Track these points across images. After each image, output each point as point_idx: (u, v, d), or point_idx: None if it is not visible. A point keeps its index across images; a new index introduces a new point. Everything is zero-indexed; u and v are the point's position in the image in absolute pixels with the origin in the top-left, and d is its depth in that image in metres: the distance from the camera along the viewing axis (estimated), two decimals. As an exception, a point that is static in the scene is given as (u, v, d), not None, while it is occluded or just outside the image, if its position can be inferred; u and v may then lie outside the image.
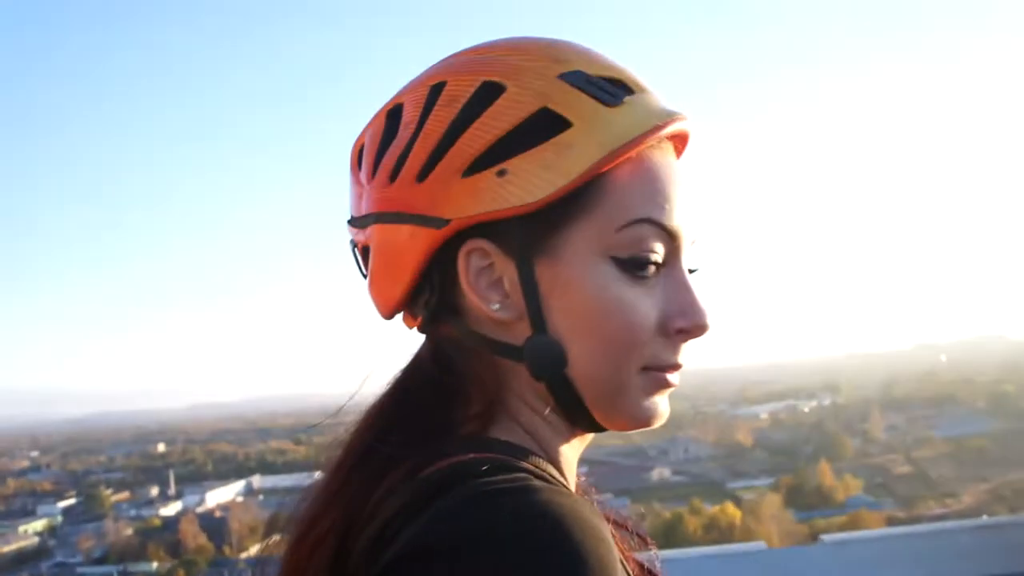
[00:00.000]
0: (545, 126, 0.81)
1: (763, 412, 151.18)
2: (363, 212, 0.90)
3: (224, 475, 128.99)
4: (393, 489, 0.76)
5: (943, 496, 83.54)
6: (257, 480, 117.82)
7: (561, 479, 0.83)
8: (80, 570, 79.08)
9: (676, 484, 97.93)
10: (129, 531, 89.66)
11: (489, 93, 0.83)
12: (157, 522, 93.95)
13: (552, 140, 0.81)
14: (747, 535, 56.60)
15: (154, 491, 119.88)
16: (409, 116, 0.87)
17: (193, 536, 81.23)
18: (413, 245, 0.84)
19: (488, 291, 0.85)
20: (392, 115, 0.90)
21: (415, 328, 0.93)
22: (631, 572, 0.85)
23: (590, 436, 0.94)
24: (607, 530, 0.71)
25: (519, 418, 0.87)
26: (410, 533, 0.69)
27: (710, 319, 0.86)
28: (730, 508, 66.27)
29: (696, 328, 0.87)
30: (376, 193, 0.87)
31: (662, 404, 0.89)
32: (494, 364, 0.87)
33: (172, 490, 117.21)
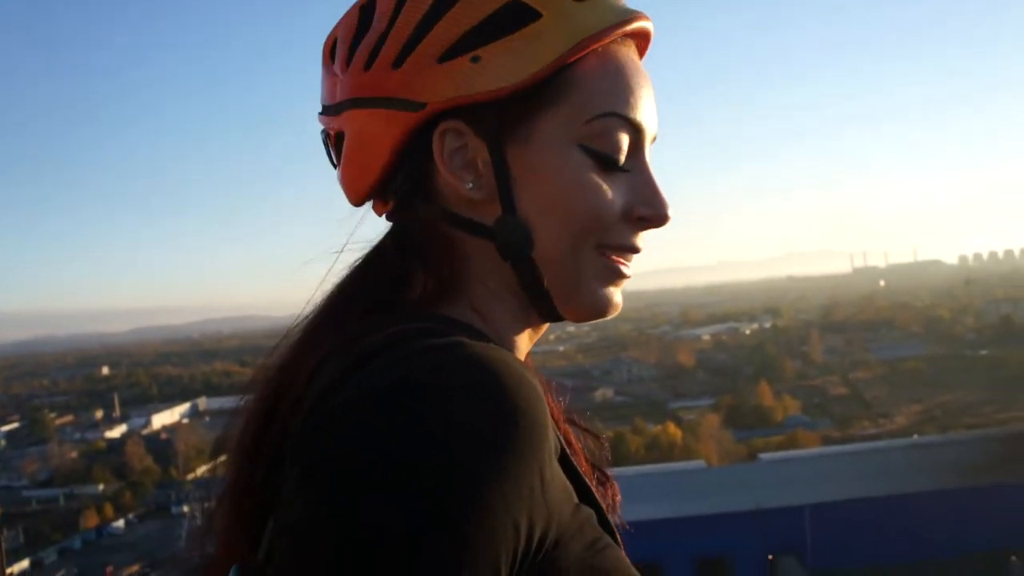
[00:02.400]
0: (516, 17, 0.84)
1: (705, 334, 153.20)
2: (336, 100, 0.92)
3: (169, 397, 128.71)
4: (329, 357, 0.78)
5: (877, 416, 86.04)
6: (203, 402, 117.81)
7: None
8: (25, 493, 78.79)
9: (619, 404, 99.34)
10: (74, 454, 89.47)
11: None
12: (102, 445, 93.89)
13: (522, 30, 0.84)
14: (688, 454, 58.04)
15: (99, 414, 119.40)
16: (383, 8, 0.89)
17: (139, 458, 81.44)
18: (390, 128, 0.87)
19: (462, 171, 0.88)
20: (366, 9, 0.92)
21: (384, 215, 0.96)
22: (563, 440, 0.84)
23: (543, 328, 0.98)
24: (542, 391, 0.73)
25: (473, 300, 0.89)
26: (343, 390, 0.71)
27: (671, 210, 0.91)
28: (671, 428, 67.64)
29: (658, 217, 0.91)
30: (351, 80, 0.89)
31: (616, 295, 0.93)
32: (458, 244, 0.90)
33: (117, 413, 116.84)
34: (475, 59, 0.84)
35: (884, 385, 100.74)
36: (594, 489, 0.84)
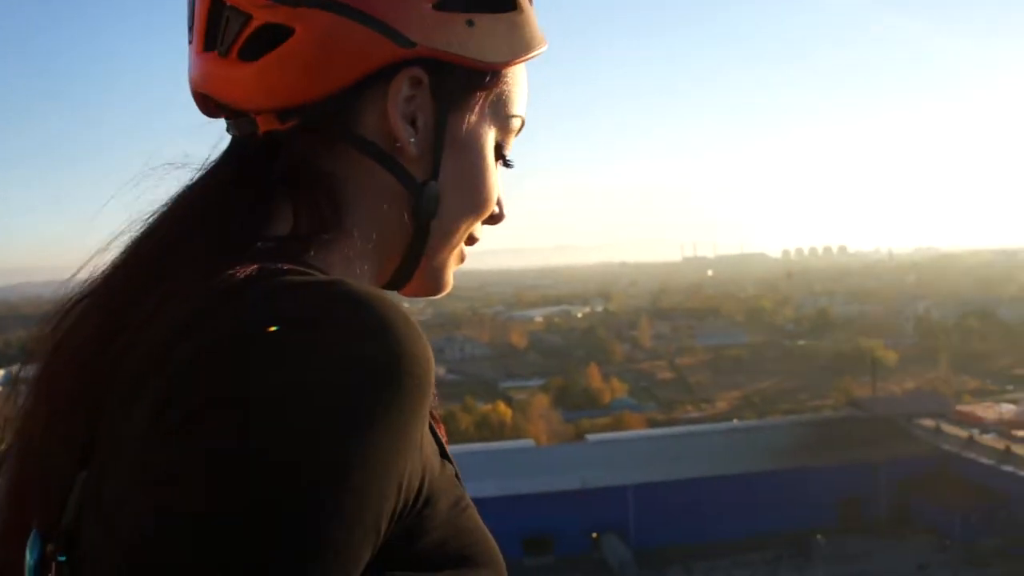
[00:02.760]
0: (503, 1, 0.87)
1: (538, 316, 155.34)
2: None
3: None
4: (175, 295, 0.72)
5: (700, 401, 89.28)
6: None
7: None
8: None
9: (450, 382, 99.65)
10: None
11: None
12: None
13: (507, 14, 0.87)
14: (517, 433, 58.93)
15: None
16: None
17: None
18: (370, 51, 0.81)
19: (402, 121, 0.84)
20: None
21: (276, 128, 0.84)
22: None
23: None
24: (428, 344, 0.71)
25: (346, 249, 0.85)
26: (207, 331, 0.65)
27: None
28: (501, 407, 68.52)
29: (503, 217, 0.97)
30: None
31: (452, 277, 0.97)
32: (361, 190, 0.86)
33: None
34: (470, 23, 0.84)
35: (708, 371, 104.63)
36: (444, 438, 0.84)
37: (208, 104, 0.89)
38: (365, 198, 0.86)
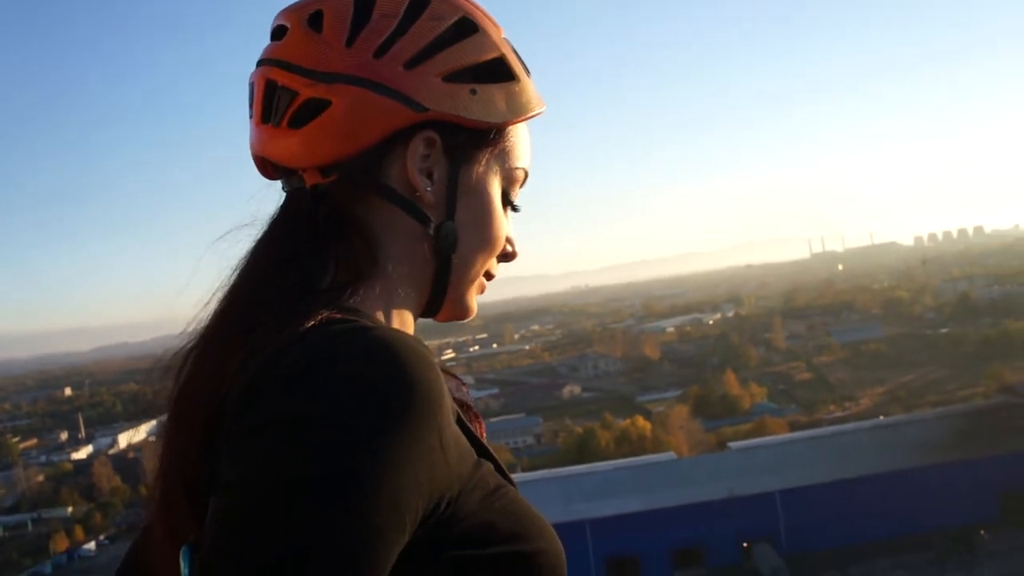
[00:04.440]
0: (500, 72, 1.05)
1: (669, 326, 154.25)
2: (329, 70, 0.99)
3: (134, 416, 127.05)
4: (253, 352, 0.86)
5: (842, 399, 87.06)
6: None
7: None
8: (-7, 520, 77.88)
9: (587, 400, 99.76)
10: (40, 477, 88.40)
11: (467, 27, 1.04)
12: (69, 467, 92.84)
13: (504, 84, 1.05)
14: (657, 446, 58.35)
15: (63, 436, 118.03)
16: (388, 9, 1.01)
17: (107, 478, 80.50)
18: (390, 117, 0.98)
19: (420, 175, 1.01)
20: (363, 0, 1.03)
21: (316, 184, 1.02)
22: (466, 420, 0.97)
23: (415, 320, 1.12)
24: (437, 365, 0.86)
25: (384, 286, 1.02)
26: (270, 371, 0.82)
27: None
28: (640, 421, 68.25)
29: (515, 255, 1.14)
30: (356, 59, 0.98)
31: (476, 303, 1.14)
32: (390, 231, 1.03)
33: (82, 434, 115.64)
34: (473, 91, 1.02)
35: (847, 368, 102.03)
36: (484, 440, 0.99)
37: (266, 166, 1.07)
38: (395, 239, 1.02)
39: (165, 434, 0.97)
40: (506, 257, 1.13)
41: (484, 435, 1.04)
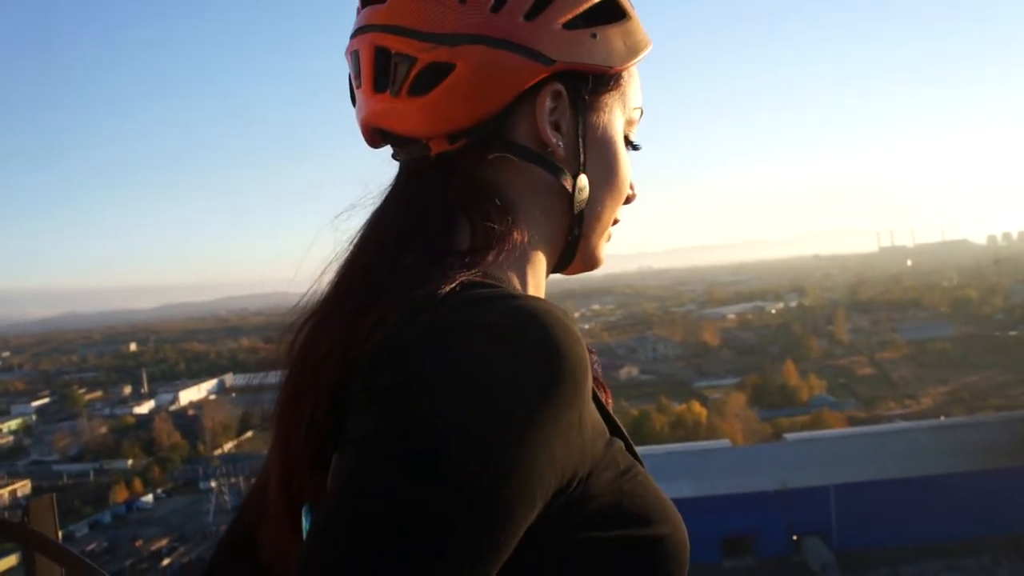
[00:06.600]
0: (615, 12, 1.01)
1: (730, 313, 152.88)
2: (447, 31, 0.94)
3: (196, 374, 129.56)
4: (387, 312, 0.85)
5: (903, 397, 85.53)
6: (229, 378, 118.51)
7: None
8: (56, 467, 79.85)
9: (644, 383, 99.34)
10: (103, 429, 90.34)
11: None
12: (131, 420, 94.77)
13: (621, 25, 1.01)
14: (712, 433, 58.07)
15: (127, 390, 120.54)
16: None
17: (167, 434, 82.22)
18: (520, 74, 0.95)
19: (550, 129, 0.98)
20: None
21: (446, 150, 0.99)
22: (598, 394, 0.95)
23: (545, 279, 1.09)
24: (581, 337, 0.83)
25: (520, 247, 0.99)
26: (406, 333, 0.80)
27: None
28: (696, 406, 67.83)
29: (634, 197, 1.12)
30: (475, 17, 0.94)
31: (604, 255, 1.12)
32: (523, 192, 1.00)
33: (145, 389, 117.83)
34: (593, 35, 0.98)
35: (911, 365, 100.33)
36: (618, 421, 0.95)
37: (375, 137, 1.04)
38: (529, 197, 1.00)
39: (286, 393, 0.95)
40: (627, 200, 1.11)
41: (612, 406, 1.02)
